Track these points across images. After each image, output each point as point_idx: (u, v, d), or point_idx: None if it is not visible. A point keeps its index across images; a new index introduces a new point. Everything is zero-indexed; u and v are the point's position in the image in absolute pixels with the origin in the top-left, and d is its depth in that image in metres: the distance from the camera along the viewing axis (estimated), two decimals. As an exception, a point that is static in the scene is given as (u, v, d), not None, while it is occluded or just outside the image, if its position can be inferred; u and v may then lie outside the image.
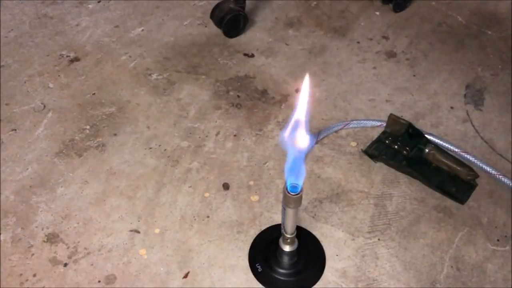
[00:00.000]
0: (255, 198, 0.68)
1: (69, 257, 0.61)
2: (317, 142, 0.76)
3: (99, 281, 0.59)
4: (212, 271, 0.60)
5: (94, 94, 0.84)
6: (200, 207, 0.67)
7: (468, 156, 0.73)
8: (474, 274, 0.61)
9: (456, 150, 0.74)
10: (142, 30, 0.99)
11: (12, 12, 1.04)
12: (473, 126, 0.80)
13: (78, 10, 1.04)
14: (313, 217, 0.66)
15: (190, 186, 0.70)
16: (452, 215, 0.67)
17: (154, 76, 0.89)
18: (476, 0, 1.10)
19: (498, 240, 0.64)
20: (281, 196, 0.63)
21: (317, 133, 0.76)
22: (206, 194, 0.69)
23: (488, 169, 0.71)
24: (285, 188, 0.48)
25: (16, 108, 0.82)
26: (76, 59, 0.92)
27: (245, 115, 0.81)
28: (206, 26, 1.01)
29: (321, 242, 0.63)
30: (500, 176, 0.70)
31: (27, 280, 0.59)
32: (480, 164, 0.72)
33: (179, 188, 0.70)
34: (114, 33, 0.98)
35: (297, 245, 0.57)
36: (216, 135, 0.78)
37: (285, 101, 0.84)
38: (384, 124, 0.77)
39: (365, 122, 0.79)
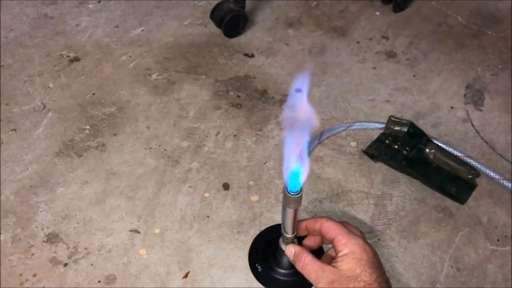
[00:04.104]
0: (255, 198, 0.68)
1: (69, 257, 0.61)
2: (319, 143, 0.76)
3: (99, 281, 0.59)
4: (212, 271, 0.60)
5: (94, 94, 0.84)
6: (200, 207, 0.67)
7: (470, 160, 0.72)
8: (474, 274, 0.61)
9: (459, 154, 0.73)
10: (142, 30, 0.99)
11: (12, 12, 1.04)
12: (473, 126, 0.80)
13: (78, 10, 1.04)
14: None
15: (190, 186, 0.70)
16: (452, 215, 0.67)
17: (154, 76, 0.89)
18: (476, 0, 1.10)
19: (498, 240, 0.64)
20: (281, 196, 0.63)
21: (320, 134, 0.76)
22: (206, 194, 0.69)
23: (491, 173, 0.70)
24: (285, 188, 0.48)
25: (16, 108, 0.82)
26: (76, 59, 0.92)
27: (245, 115, 0.81)
28: (206, 26, 1.01)
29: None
30: (503, 181, 0.69)
31: (27, 280, 0.59)
32: (482, 168, 0.71)
33: (179, 188, 0.70)
34: (114, 33, 0.98)
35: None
36: (216, 135, 0.78)
37: (285, 101, 0.84)
38: (386, 126, 0.78)
39: (367, 124, 0.79)
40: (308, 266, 0.50)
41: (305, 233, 0.57)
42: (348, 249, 0.49)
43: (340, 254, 0.49)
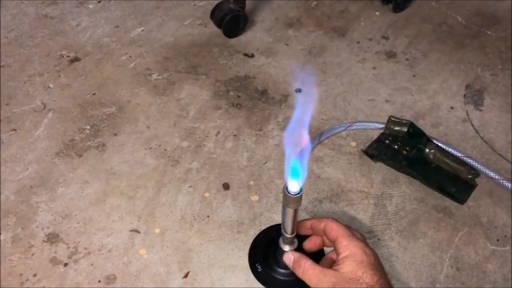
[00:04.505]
0: (255, 198, 0.69)
1: (69, 257, 0.61)
2: (319, 143, 0.76)
3: (99, 281, 0.59)
4: (212, 271, 0.60)
5: (94, 94, 0.84)
6: (200, 207, 0.67)
7: (470, 160, 0.72)
8: (474, 274, 0.61)
9: (459, 154, 0.73)
10: (142, 30, 1.00)
11: (12, 12, 1.04)
12: (473, 126, 0.80)
13: (78, 10, 1.04)
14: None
15: (190, 186, 0.70)
16: (452, 215, 0.67)
17: (154, 76, 0.89)
18: (476, 0, 1.10)
19: (498, 240, 0.64)
20: (281, 196, 0.63)
21: (319, 134, 0.76)
22: (206, 194, 0.69)
23: (491, 173, 0.70)
24: (285, 188, 0.48)
25: (16, 108, 0.82)
26: (76, 59, 0.92)
27: (245, 115, 0.81)
28: (206, 26, 1.01)
29: (321, 242, 0.63)
30: (503, 181, 0.69)
31: (27, 280, 0.59)
32: (482, 168, 0.71)
33: (179, 188, 0.70)
34: (114, 33, 0.98)
35: (297, 245, 0.57)
36: (216, 135, 0.78)
37: (285, 101, 0.84)
38: (386, 126, 0.78)
39: (367, 124, 0.79)
40: (309, 271, 0.50)
41: (310, 232, 0.57)
42: (349, 251, 0.49)
43: (341, 256, 0.49)
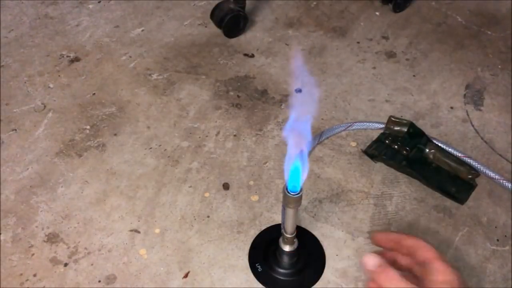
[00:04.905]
0: (255, 198, 0.69)
1: (69, 257, 0.61)
2: (319, 143, 0.76)
3: (99, 281, 0.59)
4: (212, 271, 0.60)
5: (94, 94, 0.85)
6: (200, 207, 0.67)
7: (470, 160, 0.72)
8: (474, 274, 0.61)
9: (459, 154, 0.73)
10: (142, 30, 1.00)
11: (12, 12, 1.04)
12: (473, 126, 0.80)
13: (78, 10, 1.04)
14: (313, 217, 0.66)
15: (190, 186, 0.70)
16: (452, 215, 0.67)
17: (154, 76, 0.89)
18: (476, 0, 1.10)
19: (498, 240, 0.64)
20: (281, 196, 0.63)
21: (319, 134, 0.76)
22: (206, 194, 0.69)
23: (491, 173, 0.70)
24: (285, 188, 0.48)
25: (16, 108, 0.82)
26: (76, 59, 0.92)
27: (245, 115, 0.81)
28: (206, 26, 1.01)
29: (321, 242, 0.63)
30: (503, 181, 0.69)
31: (27, 280, 0.59)
32: (482, 168, 0.71)
33: (179, 188, 0.70)
34: (114, 33, 0.98)
35: (297, 245, 0.57)
36: (216, 135, 0.78)
37: (285, 101, 0.84)
38: (386, 126, 0.78)
39: (367, 124, 0.79)
40: (394, 281, 0.44)
41: (389, 246, 0.51)
42: (445, 277, 0.44)
43: (433, 278, 0.45)
